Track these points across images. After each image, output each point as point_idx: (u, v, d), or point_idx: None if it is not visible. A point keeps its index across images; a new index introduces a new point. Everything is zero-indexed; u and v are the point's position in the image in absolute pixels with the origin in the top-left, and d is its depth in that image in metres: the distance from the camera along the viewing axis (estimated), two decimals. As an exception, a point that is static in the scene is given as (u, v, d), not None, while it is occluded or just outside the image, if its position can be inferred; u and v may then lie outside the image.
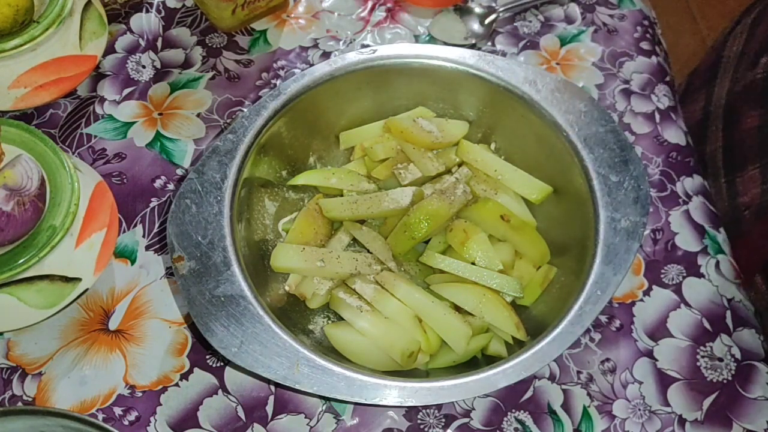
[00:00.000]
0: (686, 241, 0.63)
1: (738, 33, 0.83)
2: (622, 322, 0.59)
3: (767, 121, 0.70)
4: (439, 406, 0.55)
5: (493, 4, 0.75)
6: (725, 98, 0.78)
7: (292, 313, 0.56)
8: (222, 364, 0.56)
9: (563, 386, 0.56)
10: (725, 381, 0.57)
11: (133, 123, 0.66)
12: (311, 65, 0.70)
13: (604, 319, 0.59)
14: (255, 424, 0.54)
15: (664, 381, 0.57)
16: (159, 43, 0.71)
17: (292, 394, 0.55)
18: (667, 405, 0.56)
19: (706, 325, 0.59)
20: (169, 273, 0.59)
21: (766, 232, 0.66)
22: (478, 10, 0.74)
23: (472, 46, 0.72)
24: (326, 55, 0.71)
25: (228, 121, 0.67)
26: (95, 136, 0.65)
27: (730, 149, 0.75)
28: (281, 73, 0.70)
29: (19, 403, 0.54)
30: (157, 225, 0.61)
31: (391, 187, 0.59)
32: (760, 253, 0.65)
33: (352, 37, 0.73)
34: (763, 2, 0.82)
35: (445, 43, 0.72)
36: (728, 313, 0.60)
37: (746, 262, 0.61)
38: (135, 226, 0.61)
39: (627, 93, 0.71)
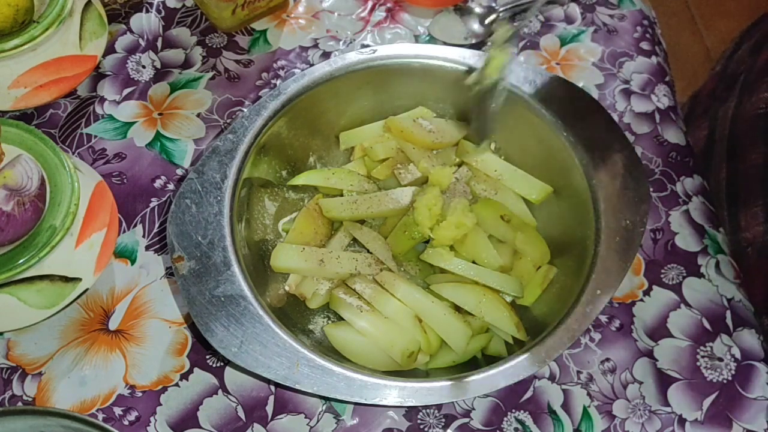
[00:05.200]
0: (686, 241, 0.63)
1: (739, 58, 0.82)
2: (622, 322, 0.59)
3: None
4: (439, 406, 0.55)
5: (493, 4, 0.75)
6: (729, 129, 0.78)
7: (292, 313, 0.56)
8: (222, 364, 0.56)
9: (563, 386, 0.56)
10: (725, 381, 0.57)
11: (133, 123, 0.66)
12: (311, 65, 0.70)
13: (604, 319, 0.59)
14: (255, 424, 0.54)
15: (664, 381, 0.57)
16: (159, 43, 0.71)
17: (292, 394, 0.55)
18: (667, 405, 0.56)
19: (706, 325, 0.59)
20: (169, 273, 0.59)
21: None
22: (478, 10, 0.74)
23: (472, 46, 0.72)
24: (326, 55, 0.71)
25: (228, 121, 0.67)
26: (95, 136, 0.65)
27: (734, 182, 0.74)
28: (281, 73, 0.70)
29: (19, 403, 0.54)
30: (157, 225, 0.61)
31: (391, 187, 0.59)
32: (764, 293, 0.64)
33: (352, 37, 0.73)
34: (763, 27, 0.82)
35: (445, 43, 0.72)
36: (728, 313, 0.60)
37: (750, 302, 0.61)
38: (135, 226, 0.61)
39: (627, 93, 0.71)
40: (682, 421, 0.56)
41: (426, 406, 0.55)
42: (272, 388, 0.55)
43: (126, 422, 0.54)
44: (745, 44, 0.83)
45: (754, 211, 0.69)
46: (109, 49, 0.69)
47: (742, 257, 0.66)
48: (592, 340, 0.58)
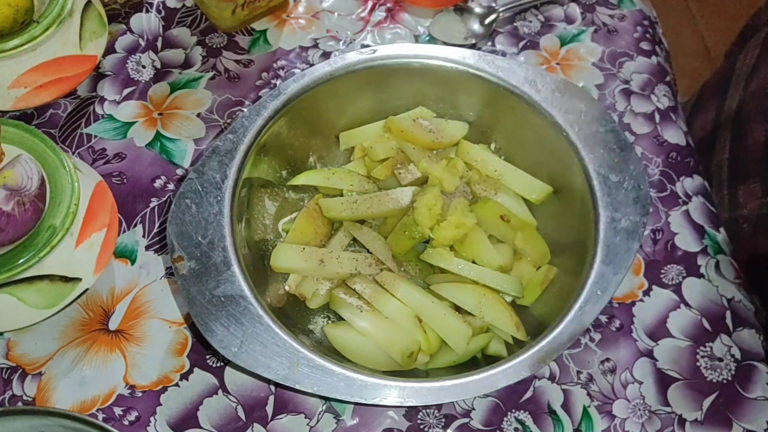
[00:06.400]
0: (686, 241, 0.63)
1: (751, 47, 0.83)
2: (622, 322, 0.59)
3: None
4: (439, 406, 0.55)
5: (493, 4, 0.75)
6: (735, 110, 0.78)
7: (292, 313, 0.56)
8: (222, 364, 0.56)
9: (563, 386, 0.56)
10: (725, 381, 0.57)
11: (133, 123, 0.66)
12: (311, 65, 0.70)
13: (604, 319, 0.59)
14: (255, 424, 0.54)
15: (664, 381, 0.57)
16: (159, 43, 0.71)
17: (292, 394, 0.55)
18: (667, 405, 0.56)
19: (706, 325, 0.59)
20: (169, 273, 0.59)
21: (763, 246, 0.66)
22: (478, 10, 0.74)
23: (472, 46, 0.72)
24: (326, 55, 0.71)
25: (228, 121, 0.67)
26: (95, 136, 0.65)
27: (736, 161, 0.75)
28: (281, 73, 0.70)
29: (19, 403, 0.54)
30: (157, 225, 0.61)
31: (391, 187, 0.59)
32: (754, 268, 0.64)
33: (352, 37, 0.73)
34: None
35: (445, 43, 0.72)
36: (728, 313, 0.60)
37: (747, 277, 0.61)
38: (135, 226, 0.61)
39: (627, 93, 0.71)
40: (682, 421, 0.56)
41: (426, 406, 0.55)
42: (272, 388, 0.55)
43: (126, 422, 0.54)
44: (757, 34, 0.83)
45: (753, 187, 0.70)
46: (109, 49, 0.69)
47: (738, 235, 0.67)
48: (592, 340, 0.58)
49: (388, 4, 0.75)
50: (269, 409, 0.55)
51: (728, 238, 0.63)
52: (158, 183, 0.63)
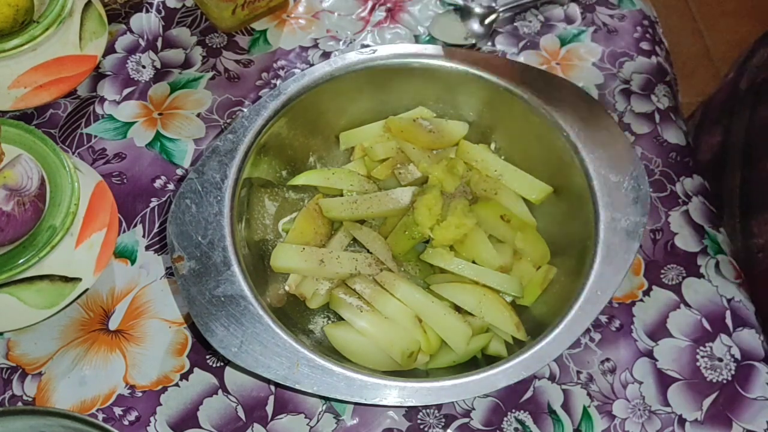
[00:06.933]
0: (686, 241, 0.63)
1: (754, 65, 0.82)
2: (622, 322, 0.59)
3: None
4: (439, 406, 0.55)
5: (493, 4, 0.75)
6: (743, 138, 0.77)
7: (292, 313, 0.56)
8: (222, 364, 0.56)
9: (563, 386, 0.56)
10: (725, 381, 0.57)
11: (133, 123, 0.66)
12: (311, 65, 0.70)
13: (604, 319, 0.59)
14: (255, 424, 0.54)
15: (664, 381, 0.57)
16: (159, 43, 0.71)
17: (292, 394, 0.55)
18: (667, 405, 0.56)
19: (706, 325, 0.59)
20: (169, 273, 0.59)
21: None
22: (478, 10, 0.74)
23: (472, 46, 0.72)
24: (326, 55, 0.71)
25: (228, 121, 0.67)
26: (95, 136, 0.65)
27: (747, 190, 0.74)
28: (281, 73, 0.70)
29: (19, 403, 0.54)
30: (157, 225, 0.61)
31: (391, 187, 0.59)
32: None
33: (352, 37, 0.73)
34: None
35: (445, 43, 0.72)
36: (728, 313, 0.60)
37: (760, 305, 0.61)
38: (135, 226, 0.61)
39: (627, 93, 0.71)
40: (682, 421, 0.56)
41: (426, 406, 0.55)
42: (272, 388, 0.55)
43: (126, 422, 0.54)
44: (760, 51, 0.83)
45: (767, 217, 0.70)
46: (109, 49, 0.69)
47: (753, 263, 0.66)
48: (592, 340, 0.58)
49: (388, 4, 0.75)
50: (269, 409, 0.55)
51: (740, 265, 0.62)
52: (158, 183, 0.63)
